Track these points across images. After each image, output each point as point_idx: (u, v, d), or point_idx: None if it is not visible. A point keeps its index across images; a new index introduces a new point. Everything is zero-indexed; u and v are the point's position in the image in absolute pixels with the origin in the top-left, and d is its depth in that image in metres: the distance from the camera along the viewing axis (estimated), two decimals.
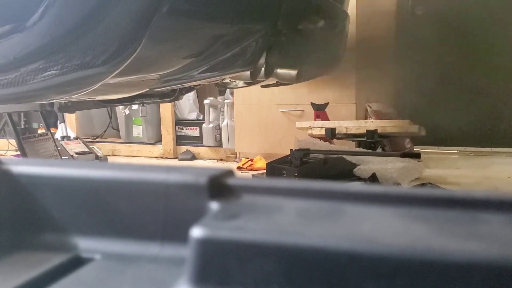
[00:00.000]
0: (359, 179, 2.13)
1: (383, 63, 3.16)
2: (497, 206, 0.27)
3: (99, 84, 0.85)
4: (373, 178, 2.06)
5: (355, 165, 2.19)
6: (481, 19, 3.19)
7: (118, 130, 3.76)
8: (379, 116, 2.88)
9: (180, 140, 3.47)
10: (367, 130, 2.44)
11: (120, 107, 3.44)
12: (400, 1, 3.38)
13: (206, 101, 3.30)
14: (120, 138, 3.74)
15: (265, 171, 2.36)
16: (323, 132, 2.52)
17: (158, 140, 3.57)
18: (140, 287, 0.29)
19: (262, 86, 2.01)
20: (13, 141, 2.82)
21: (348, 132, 2.53)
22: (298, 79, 1.56)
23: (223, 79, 1.58)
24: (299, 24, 1.38)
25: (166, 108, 3.45)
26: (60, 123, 3.16)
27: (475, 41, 3.21)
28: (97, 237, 0.34)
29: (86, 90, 0.86)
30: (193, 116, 3.51)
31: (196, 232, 0.26)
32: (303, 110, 2.93)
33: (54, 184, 0.34)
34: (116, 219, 0.33)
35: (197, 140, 3.40)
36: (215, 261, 0.25)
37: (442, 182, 2.29)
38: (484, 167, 2.71)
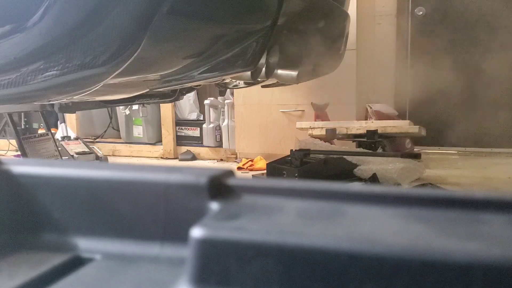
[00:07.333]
0: (359, 179, 2.13)
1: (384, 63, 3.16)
2: (497, 206, 0.27)
3: (100, 84, 0.85)
4: (374, 179, 2.06)
5: (355, 166, 2.18)
6: (482, 21, 3.19)
7: (118, 130, 3.76)
8: (380, 116, 2.88)
9: (180, 140, 3.47)
10: (367, 131, 2.44)
11: (121, 107, 3.44)
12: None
13: (206, 102, 3.30)
14: (120, 138, 3.74)
15: (265, 171, 2.36)
16: (323, 132, 2.52)
17: (159, 140, 3.57)
18: (140, 287, 0.29)
19: (262, 87, 2.01)
20: (13, 141, 2.83)
21: (349, 132, 2.53)
22: (298, 79, 1.56)
23: (224, 79, 1.58)
24: (299, 24, 1.38)
25: (166, 109, 3.45)
26: (60, 123, 3.16)
27: (475, 42, 3.21)
28: (97, 237, 0.34)
29: (86, 91, 0.86)
30: (193, 116, 3.51)
31: (196, 232, 0.26)
32: (303, 111, 2.93)
33: (55, 184, 0.34)
34: (116, 219, 0.33)
35: (198, 141, 3.40)
36: (215, 261, 0.25)
37: (443, 182, 2.29)
38: (484, 168, 2.71)
